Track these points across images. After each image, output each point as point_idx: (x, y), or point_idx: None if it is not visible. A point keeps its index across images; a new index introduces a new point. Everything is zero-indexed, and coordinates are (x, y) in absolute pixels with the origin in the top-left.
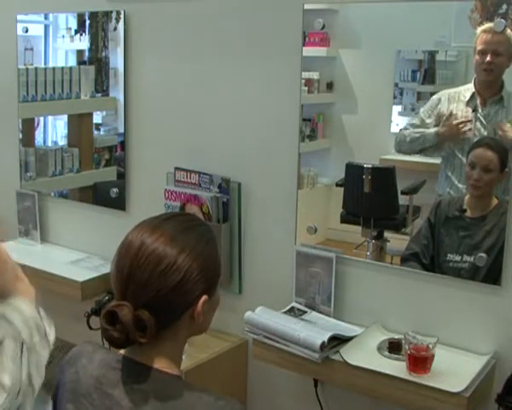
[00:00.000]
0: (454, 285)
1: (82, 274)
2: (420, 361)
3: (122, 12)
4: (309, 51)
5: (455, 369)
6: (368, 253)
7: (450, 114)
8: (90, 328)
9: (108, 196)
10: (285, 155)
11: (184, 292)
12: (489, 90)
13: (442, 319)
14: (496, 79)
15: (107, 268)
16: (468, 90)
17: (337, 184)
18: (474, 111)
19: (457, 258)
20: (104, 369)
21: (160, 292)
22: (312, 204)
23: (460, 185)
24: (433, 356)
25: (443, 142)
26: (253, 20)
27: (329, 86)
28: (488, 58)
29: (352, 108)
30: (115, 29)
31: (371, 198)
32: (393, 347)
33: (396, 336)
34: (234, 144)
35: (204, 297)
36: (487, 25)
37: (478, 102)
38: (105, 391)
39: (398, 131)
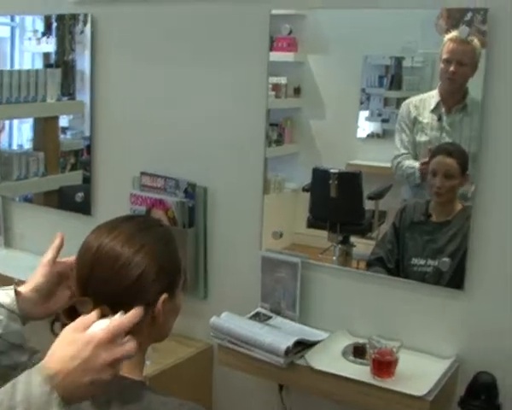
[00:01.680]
0: (418, 290)
1: None
2: (384, 365)
3: (89, 15)
4: (277, 56)
5: (418, 373)
6: (334, 257)
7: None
8: (54, 334)
9: (74, 201)
10: (251, 159)
11: (143, 289)
12: (453, 98)
13: (406, 323)
14: (459, 88)
15: None
16: (432, 97)
17: (304, 189)
18: (439, 119)
19: (422, 262)
20: None
21: (120, 287)
22: (279, 209)
23: (424, 192)
24: (397, 360)
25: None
26: (220, 24)
27: (297, 91)
28: (452, 68)
29: (320, 113)
30: (82, 32)
31: (337, 203)
32: (358, 351)
33: (361, 341)
34: (200, 149)
35: (164, 296)
36: (453, 33)
37: (443, 110)
38: None
39: (393, 159)
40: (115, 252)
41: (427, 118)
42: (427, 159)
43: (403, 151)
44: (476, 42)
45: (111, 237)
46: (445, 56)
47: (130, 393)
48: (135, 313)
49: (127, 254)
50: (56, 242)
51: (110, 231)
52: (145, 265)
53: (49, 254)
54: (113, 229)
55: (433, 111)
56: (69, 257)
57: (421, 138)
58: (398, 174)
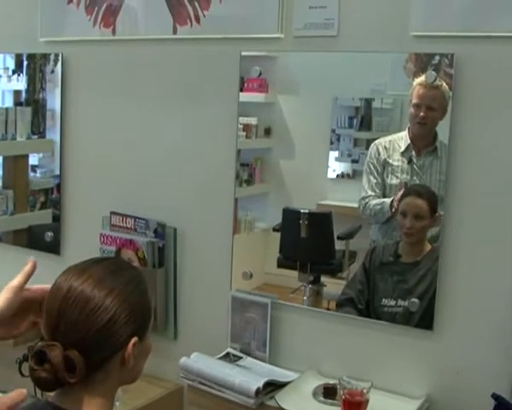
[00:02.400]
0: (388, 330)
1: None
2: (355, 406)
3: (60, 54)
4: (247, 97)
5: None
6: (305, 297)
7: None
8: (22, 375)
9: (43, 240)
10: (221, 199)
11: (113, 333)
12: (423, 142)
13: (376, 364)
14: (429, 132)
15: None
16: (401, 139)
17: (274, 229)
18: (409, 162)
19: (392, 303)
20: None
21: (89, 332)
22: (249, 249)
23: (394, 233)
24: (367, 401)
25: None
26: (191, 65)
27: (267, 132)
28: (422, 113)
29: (290, 153)
30: (53, 71)
31: (308, 243)
32: (328, 392)
33: (331, 381)
34: (170, 189)
35: (134, 339)
36: (422, 78)
37: (413, 153)
38: None
39: (360, 200)
40: (85, 296)
41: (397, 161)
42: (398, 196)
43: (370, 193)
44: (445, 86)
45: (81, 281)
46: (414, 101)
47: None
48: (19, 394)
49: (97, 297)
50: (27, 268)
51: (80, 274)
52: (115, 309)
53: (15, 280)
54: (82, 272)
55: (403, 154)
56: (43, 284)
57: (392, 181)
58: (365, 214)
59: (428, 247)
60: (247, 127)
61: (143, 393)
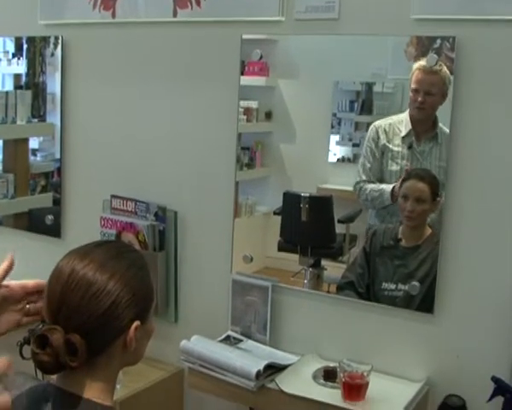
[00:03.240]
0: (388, 313)
1: None
2: (355, 389)
3: (60, 37)
4: (248, 81)
5: (389, 396)
6: (305, 281)
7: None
8: (23, 358)
9: (44, 223)
10: (222, 183)
11: (115, 317)
12: (422, 126)
13: (377, 347)
14: (429, 117)
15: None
16: (401, 122)
17: (275, 213)
18: (409, 148)
19: (392, 287)
20: (35, 401)
21: (91, 317)
22: (250, 232)
23: (392, 218)
24: (367, 384)
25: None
26: (191, 48)
27: (268, 115)
28: (420, 98)
29: (291, 137)
30: (53, 54)
31: (308, 227)
32: (329, 375)
33: (331, 364)
34: (171, 172)
35: (136, 323)
36: (422, 62)
37: (413, 138)
38: None
39: (355, 184)
40: (87, 280)
41: (397, 146)
42: (399, 183)
43: (364, 178)
44: (445, 70)
45: (83, 265)
46: (413, 86)
47: None
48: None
49: (99, 281)
50: (4, 264)
51: (82, 257)
52: (117, 293)
53: None
54: (84, 255)
55: (403, 139)
56: (25, 279)
57: (392, 167)
58: (361, 199)
59: (429, 231)
60: (247, 111)
61: (144, 376)
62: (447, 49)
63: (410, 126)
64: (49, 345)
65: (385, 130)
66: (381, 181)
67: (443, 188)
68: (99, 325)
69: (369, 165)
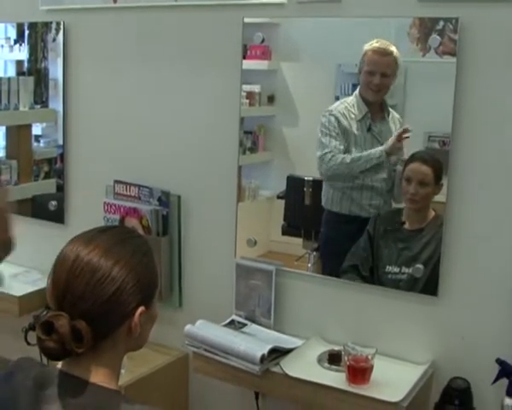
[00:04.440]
0: (392, 296)
1: (20, 289)
2: (359, 372)
3: (61, 23)
4: (250, 64)
5: (393, 379)
6: (309, 264)
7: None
8: (28, 343)
9: (47, 209)
10: (225, 167)
11: (120, 303)
12: (376, 108)
13: (381, 330)
14: (382, 98)
15: (45, 282)
16: (353, 106)
17: (278, 197)
18: (368, 130)
19: (396, 270)
20: (41, 385)
21: (96, 303)
22: (254, 216)
23: (364, 202)
24: (372, 367)
25: (389, 157)
26: (193, 32)
27: (271, 99)
28: (377, 80)
29: (293, 120)
30: (54, 40)
31: (312, 210)
32: (333, 358)
33: (336, 348)
34: (174, 157)
35: (141, 309)
36: (375, 44)
37: (370, 120)
38: (42, 408)
39: (322, 155)
40: (92, 266)
41: (356, 129)
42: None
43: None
44: (396, 51)
45: (88, 251)
46: (367, 68)
47: (107, 403)
48: None
49: (104, 267)
50: None
51: (86, 243)
52: (122, 279)
53: None
54: (89, 241)
55: (359, 122)
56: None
57: (357, 154)
58: (326, 167)
59: (432, 214)
60: (250, 95)
61: (149, 361)
62: (450, 30)
63: (366, 109)
64: (54, 331)
65: (343, 113)
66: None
67: (446, 169)
68: (104, 312)
69: (335, 142)
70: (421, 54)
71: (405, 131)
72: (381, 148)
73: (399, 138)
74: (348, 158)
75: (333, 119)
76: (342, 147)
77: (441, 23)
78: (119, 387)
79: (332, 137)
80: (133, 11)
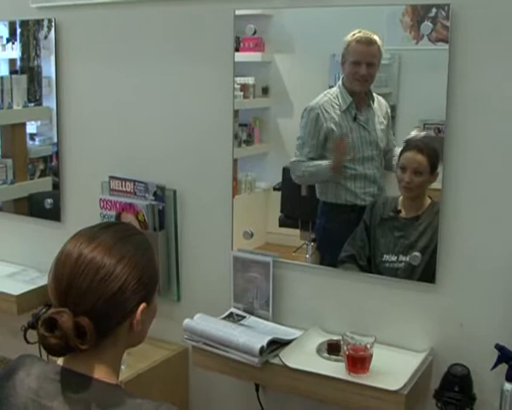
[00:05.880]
0: (390, 285)
1: (18, 287)
2: (358, 361)
3: (53, 20)
4: (244, 56)
5: (393, 367)
6: (307, 255)
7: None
8: (28, 342)
9: (43, 207)
10: (220, 160)
11: (123, 300)
12: (361, 96)
13: (379, 319)
14: (368, 88)
15: (43, 280)
16: (336, 97)
17: (275, 189)
18: (354, 120)
19: (393, 258)
20: (42, 381)
21: (100, 300)
22: (251, 209)
23: (358, 191)
24: (371, 356)
25: (336, 169)
26: (184, 26)
27: (265, 91)
28: (363, 71)
29: (288, 112)
30: (46, 37)
31: (309, 201)
32: (332, 348)
33: (335, 338)
34: (168, 151)
35: (142, 305)
36: (358, 34)
37: (356, 110)
38: (43, 404)
39: (294, 162)
40: (96, 263)
41: (341, 120)
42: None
43: (301, 158)
44: (379, 40)
45: (91, 248)
46: (353, 59)
47: (110, 398)
48: None
49: (108, 265)
50: None
51: (89, 241)
52: (126, 277)
53: None
54: (92, 239)
55: (344, 112)
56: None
57: (313, 168)
58: (296, 175)
59: (428, 201)
60: (244, 87)
61: (148, 356)
62: (442, 17)
63: (350, 99)
64: (58, 328)
65: (326, 109)
66: (322, 159)
67: (441, 157)
68: (107, 309)
69: (307, 149)
70: (415, 42)
71: (342, 140)
72: (326, 163)
73: (339, 151)
74: (307, 172)
75: (313, 116)
76: (314, 153)
77: (433, 10)
78: (119, 382)
79: (305, 143)
80: (124, 6)
